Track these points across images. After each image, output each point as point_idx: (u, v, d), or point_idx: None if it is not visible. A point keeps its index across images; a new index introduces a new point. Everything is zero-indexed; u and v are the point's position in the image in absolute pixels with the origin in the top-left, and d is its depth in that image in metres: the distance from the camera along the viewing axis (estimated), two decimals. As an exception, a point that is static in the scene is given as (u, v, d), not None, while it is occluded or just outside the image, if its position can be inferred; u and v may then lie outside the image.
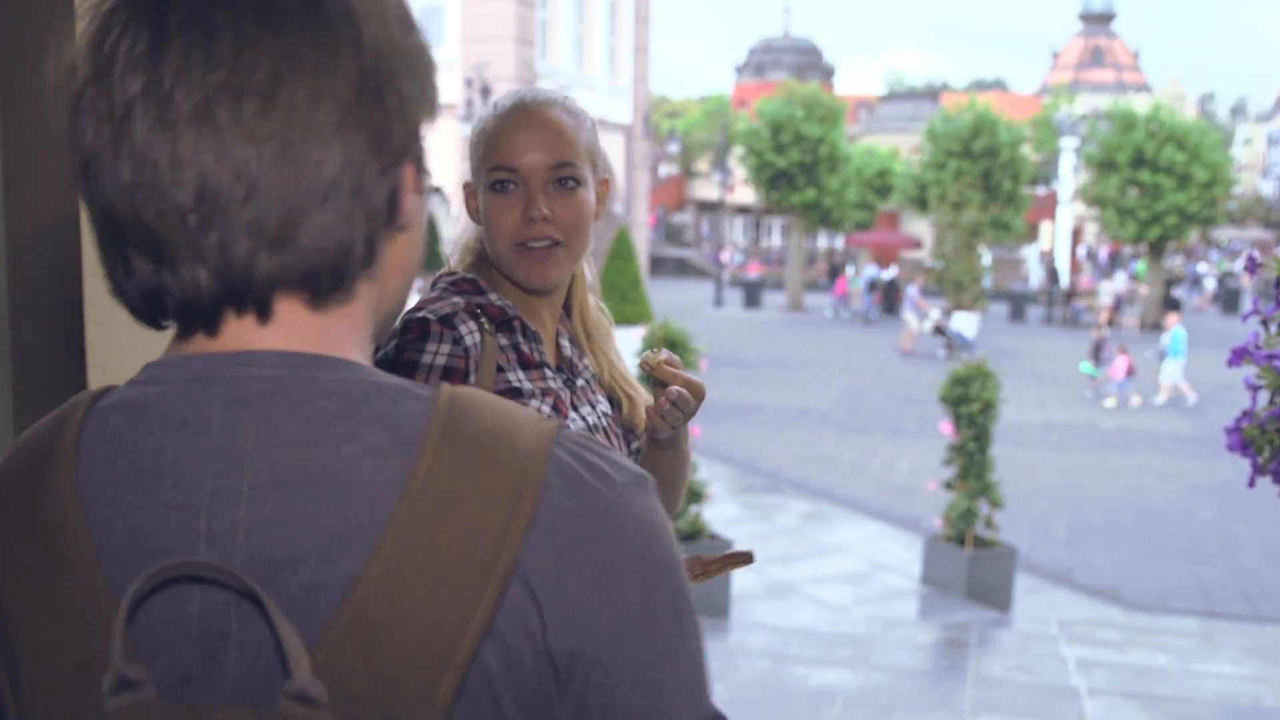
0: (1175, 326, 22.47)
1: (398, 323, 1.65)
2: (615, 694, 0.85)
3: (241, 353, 0.89)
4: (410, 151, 0.93)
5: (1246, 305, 2.40)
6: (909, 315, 28.96)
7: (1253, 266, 2.37)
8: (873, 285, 37.20)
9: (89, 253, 1.90)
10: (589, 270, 2.09)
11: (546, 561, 0.84)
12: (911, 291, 29.59)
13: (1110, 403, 21.59)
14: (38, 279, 1.94)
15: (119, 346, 1.96)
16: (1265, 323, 2.36)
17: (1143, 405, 21.43)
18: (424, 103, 0.93)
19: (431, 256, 32.33)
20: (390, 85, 0.89)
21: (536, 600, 0.84)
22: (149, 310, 0.90)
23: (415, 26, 0.94)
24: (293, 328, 0.90)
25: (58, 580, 0.85)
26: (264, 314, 0.89)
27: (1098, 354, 23.27)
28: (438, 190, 28.79)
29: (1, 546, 0.88)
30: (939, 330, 28.14)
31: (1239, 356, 2.39)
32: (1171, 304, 36.97)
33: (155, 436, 0.87)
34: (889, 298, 38.23)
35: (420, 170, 0.96)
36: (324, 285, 0.89)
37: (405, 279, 0.99)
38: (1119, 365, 21.41)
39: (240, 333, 0.89)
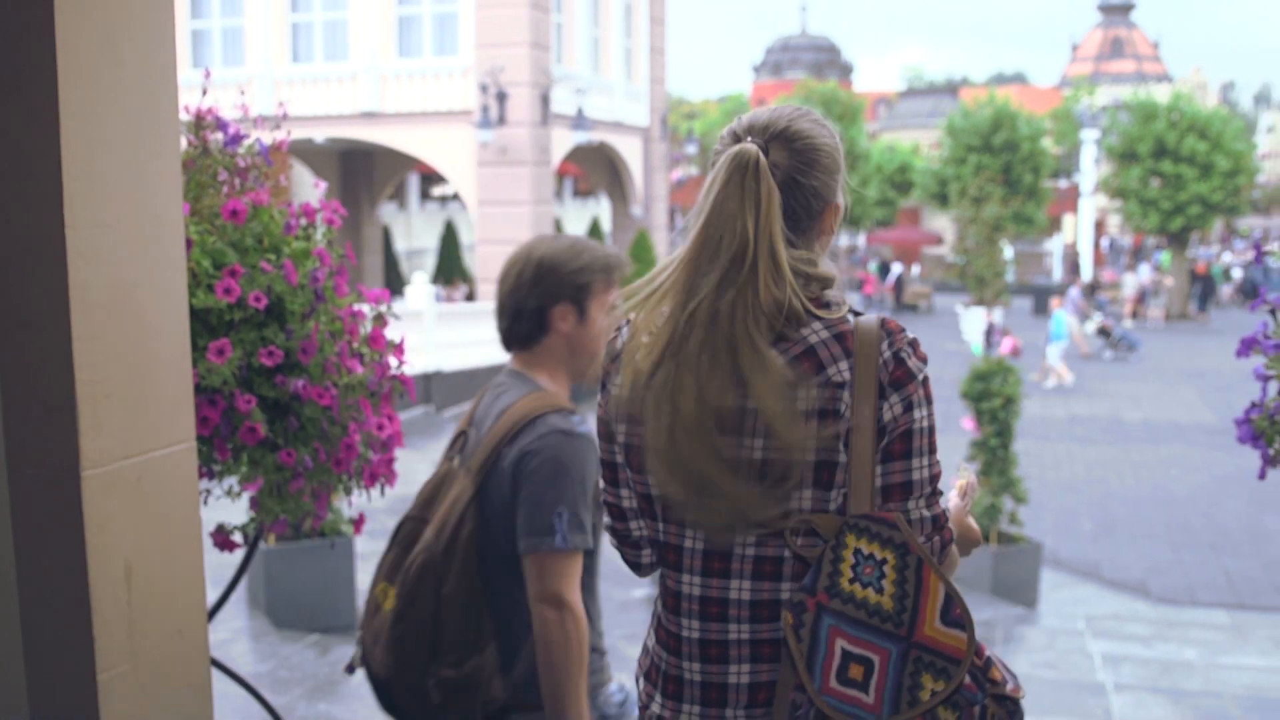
0: (1057, 310, 23.64)
1: (906, 336, 1.85)
2: None
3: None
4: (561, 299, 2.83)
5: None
6: (1070, 318, 28.14)
7: (1259, 255, 2.33)
8: None
9: (75, 269, 1.89)
10: None
11: None
12: (1073, 293, 28.66)
13: None
14: (25, 294, 1.93)
15: (105, 359, 1.95)
16: (1274, 312, 2.32)
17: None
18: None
19: (453, 264, 32.35)
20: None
21: None
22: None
23: None
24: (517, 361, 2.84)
25: None
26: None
27: (989, 337, 23.91)
28: (455, 197, 28.84)
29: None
30: (1104, 331, 27.63)
31: (1248, 347, 2.35)
32: (1206, 298, 36.89)
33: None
34: (899, 292, 38.23)
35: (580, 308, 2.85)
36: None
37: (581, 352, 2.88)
38: (1005, 346, 22.23)
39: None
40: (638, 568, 2.12)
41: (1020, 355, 22.37)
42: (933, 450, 1.86)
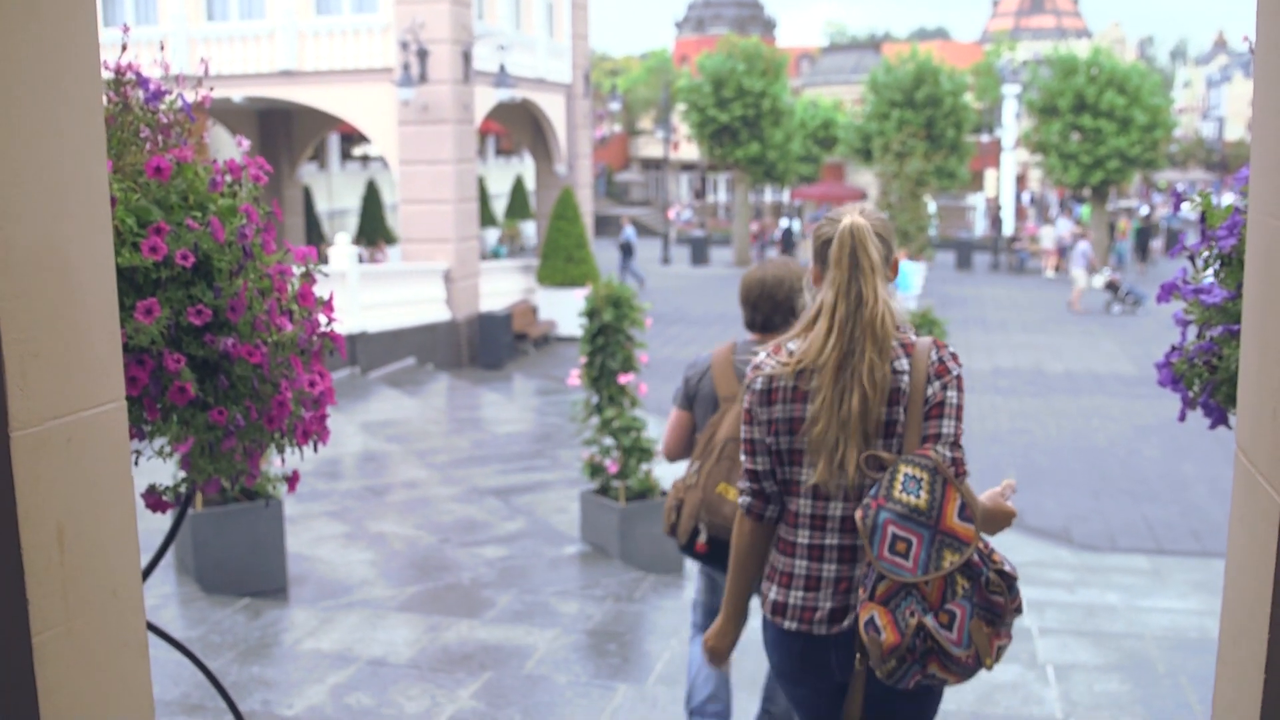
0: (903, 261, 23.75)
1: (949, 349, 3.00)
2: None
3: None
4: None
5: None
6: (1078, 272, 28.23)
7: (1176, 203, 2.38)
8: (625, 249, 33.23)
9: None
10: None
11: None
12: (1083, 246, 28.88)
13: None
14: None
15: (32, 319, 1.92)
16: (1192, 258, 2.38)
17: None
18: None
19: (376, 225, 32.06)
20: None
21: None
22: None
23: None
24: None
25: None
26: None
27: None
28: (377, 156, 28.51)
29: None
30: (1112, 286, 27.80)
31: (1167, 292, 2.40)
32: (1143, 250, 37.55)
33: None
34: (787, 246, 38.60)
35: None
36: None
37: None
38: None
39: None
40: (761, 517, 3.13)
41: None
42: (958, 419, 2.93)
